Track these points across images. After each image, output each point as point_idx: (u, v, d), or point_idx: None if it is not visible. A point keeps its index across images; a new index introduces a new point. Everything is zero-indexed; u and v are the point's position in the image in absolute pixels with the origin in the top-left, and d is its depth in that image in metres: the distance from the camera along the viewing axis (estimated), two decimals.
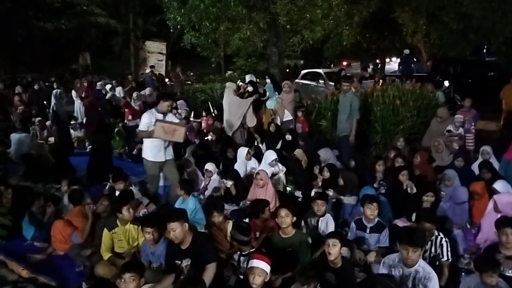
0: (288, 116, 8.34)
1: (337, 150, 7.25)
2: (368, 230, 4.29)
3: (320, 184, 5.85)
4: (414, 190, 5.23)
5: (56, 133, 9.78)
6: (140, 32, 24.60)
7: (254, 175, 5.81)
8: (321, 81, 14.64)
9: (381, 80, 11.64)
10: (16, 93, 12.08)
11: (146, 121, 5.50)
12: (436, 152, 6.69)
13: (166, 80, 18.38)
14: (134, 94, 11.63)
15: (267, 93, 8.46)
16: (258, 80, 9.30)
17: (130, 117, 10.50)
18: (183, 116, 8.91)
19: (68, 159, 8.00)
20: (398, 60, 18.48)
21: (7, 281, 4.31)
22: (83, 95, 11.54)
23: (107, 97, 12.16)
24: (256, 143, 8.10)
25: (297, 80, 15.63)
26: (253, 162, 6.70)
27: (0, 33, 15.65)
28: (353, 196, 5.32)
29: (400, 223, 4.76)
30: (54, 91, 11.06)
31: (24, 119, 10.86)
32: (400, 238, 3.39)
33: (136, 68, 24.15)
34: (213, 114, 9.83)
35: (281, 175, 6.39)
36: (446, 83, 11.32)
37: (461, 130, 7.12)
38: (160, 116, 5.48)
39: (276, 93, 8.47)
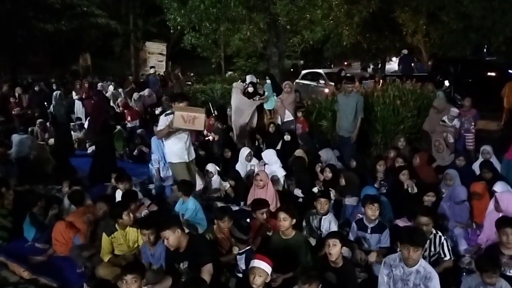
0: (289, 116, 8.34)
1: (338, 151, 7.25)
2: (369, 231, 4.29)
3: (321, 184, 5.87)
4: (415, 190, 5.24)
5: (55, 135, 9.79)
6: (140, 33, 24.61)
7: (254, 176, 5.82)
8: (321, 81, 14.64)
9: (381, 80, 11.63)
10: (13, 95, 12.08)
11: (165, 122, 5.34)
12: (437, 152, 6.69)
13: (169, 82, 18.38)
14: (134, 95, 11.66)
15: (265, 93, 8.47)
16: (258, 81, 9.29)
17: (129, 118, 10.52)
18: None
19: (68, 160, 8.02)
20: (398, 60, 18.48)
21: (8, 282, 4.31)
22: (83, 96, 11.56)
23: (107, 94, 12.23)
24: (257, 144, 8.11)
25: (297, 80, 15.62)
26: (254, 163, 6.70)
27: (0, 34, 15.66)
28: (354, 197, 5.32)
29: (401, 223, 4.75)
30: (55, 93, 11.07)
31: (24, 120, 10.87)
32: (401, 238, 3.39)
33: (136, 69, 24.16)
34: (213, 114, 9.83)
35: (281, 179, 6.37)
36: (446, 83, 11.32)
37: (455, 122, 7.14)
38: None
39: (274, 94, 8.47)
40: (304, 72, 16.72)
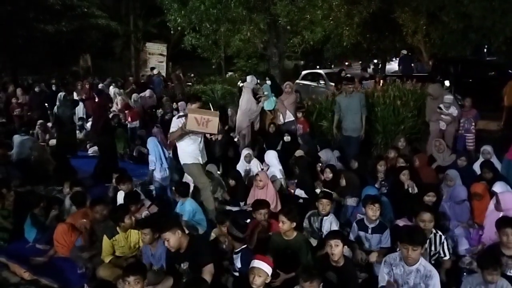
0: (289, 117, 8.34)
1: (338, 151, 7.25)
2: (369, 231, 4.29)
3: (321, 184, 5.87)
4: (416, 190, 5.24)
5: (58, 135, 9.78)
6: (140, 34, 24.60)
7: (254, 176, 5.82)
8: (321, 82, 14.64)
9: (381, 80, 11.64)
10: (15, 96, 12.09)
11: (177, 124, 5.29)
12: (438, 152, 6.69)
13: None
14: (134, 96, 11.65)
15: (265, 93, 8.46)
16: (258, 81, 9.28)
17: (129, 118, 10.52)
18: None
19: (68, 161, 8.02)
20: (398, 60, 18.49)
21: (9, 283, 4.32)
22: (84, 97, 11.56)
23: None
24: (259, 145, 8.11)
25: (297, 81, 15.62)
26: (254, 163, 6.70)
27: (0, 35, 15.67)
28: (354, 197, 5.32)
29: (402, 223, 4.74)
30: (59, 94, 11.06)
31: (24, 121, 10.88)
32: (400, 237, 3.40)
33: (136, 69, 24.15)
34: None
35: (282, 181, 6.37)
36: (447, 83, 11.31)
37: (451, 110, 7.14)
38: None
39: (273, 94, 8.47)
40: (304, 72, 16.72)
